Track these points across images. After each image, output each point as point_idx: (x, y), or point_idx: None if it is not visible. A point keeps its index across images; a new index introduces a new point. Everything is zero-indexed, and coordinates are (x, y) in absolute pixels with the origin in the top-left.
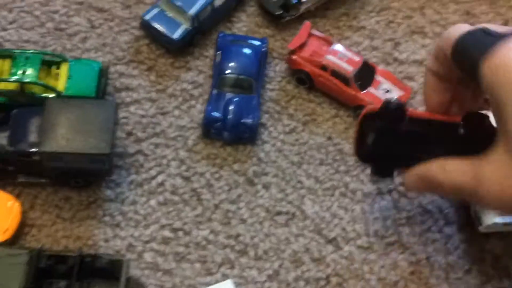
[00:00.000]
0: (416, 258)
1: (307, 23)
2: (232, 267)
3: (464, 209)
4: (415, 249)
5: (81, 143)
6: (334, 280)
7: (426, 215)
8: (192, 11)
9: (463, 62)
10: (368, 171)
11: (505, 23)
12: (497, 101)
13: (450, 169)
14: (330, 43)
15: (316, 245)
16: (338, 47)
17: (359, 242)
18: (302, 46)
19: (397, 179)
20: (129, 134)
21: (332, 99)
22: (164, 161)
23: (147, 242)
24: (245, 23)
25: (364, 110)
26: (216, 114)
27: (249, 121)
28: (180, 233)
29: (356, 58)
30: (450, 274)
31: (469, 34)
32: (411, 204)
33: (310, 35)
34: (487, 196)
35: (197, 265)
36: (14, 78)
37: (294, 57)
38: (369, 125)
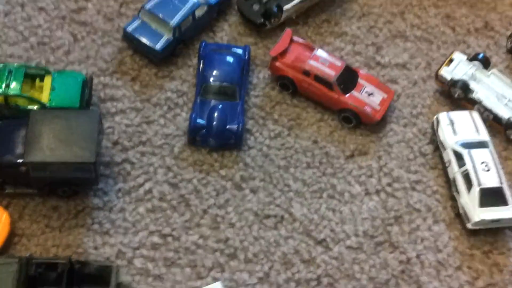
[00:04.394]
0: (406, 256)
1: (288, 30)
2: (223, 271)
3: (452, 207)
4: (404, 248)
5: (66, 152)
6: (325, 280)
7: (415, 214)
8: (174, 21)
9: None
10: (355, 172)
11: (485, 25)
12: None
13: None
14: (312, 49)
15: (305, 246)
16: (320, 52)
17: (348, 242)
18: (284, 53)
19: (384, 180)
20: (115, 143)
21: (316, 103)
22: (151, 169)
23: (136, 248)
24: (227, 32)
25: None
26: (201, 121)
27: (234, 127)
28: (169, 239)
29: (338, 63)
30: (441, 271)
31: None
32: (399, 204)
33: (292, 41)
34: None
35: (187, 270)
36: None
37: (276, 63)
38: None
